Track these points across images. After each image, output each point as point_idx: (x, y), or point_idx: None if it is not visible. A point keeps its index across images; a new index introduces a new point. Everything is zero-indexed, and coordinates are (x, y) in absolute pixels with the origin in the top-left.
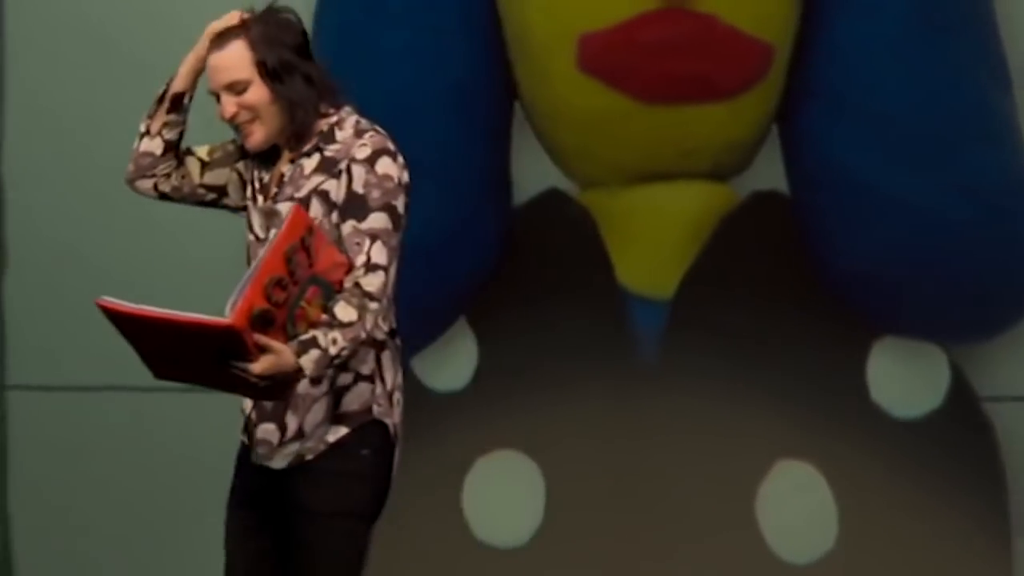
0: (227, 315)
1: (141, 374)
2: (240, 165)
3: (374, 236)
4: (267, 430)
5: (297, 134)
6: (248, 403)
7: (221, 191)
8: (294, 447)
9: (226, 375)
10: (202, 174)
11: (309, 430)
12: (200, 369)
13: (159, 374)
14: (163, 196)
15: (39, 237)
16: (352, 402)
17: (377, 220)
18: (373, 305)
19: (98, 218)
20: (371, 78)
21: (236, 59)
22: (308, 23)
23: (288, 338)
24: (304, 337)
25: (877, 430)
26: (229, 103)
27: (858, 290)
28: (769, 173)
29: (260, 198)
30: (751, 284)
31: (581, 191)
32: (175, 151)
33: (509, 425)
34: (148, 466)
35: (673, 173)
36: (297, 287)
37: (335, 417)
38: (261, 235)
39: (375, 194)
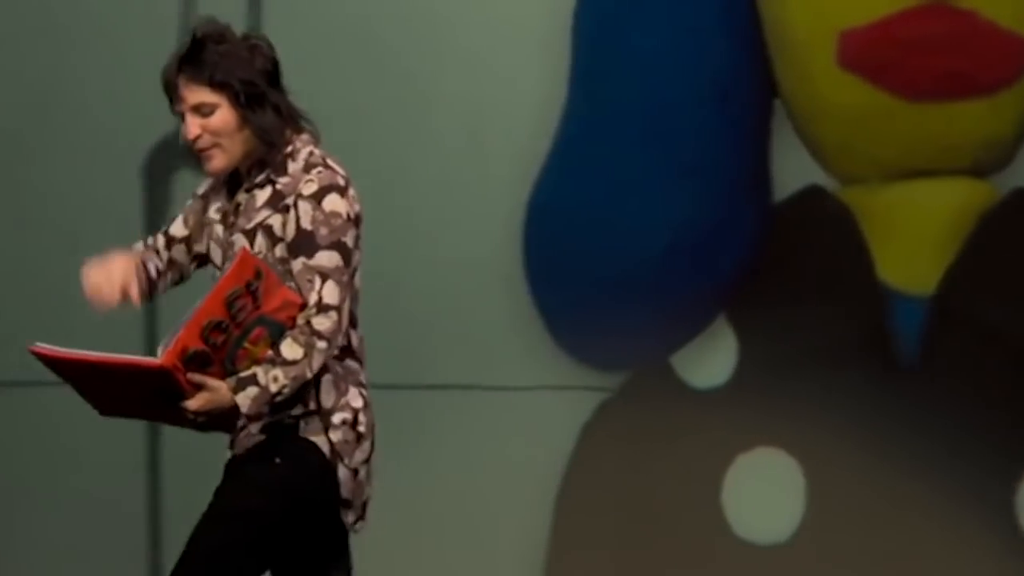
0: (159, 355)
1: (417, 371)
2: (207, 215)
3: (324, 275)
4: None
5: (260, 163)
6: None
7: (206, 255)
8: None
9: (168, 411)
10: (189, 251)
11: (242, 436)
12: (144, 406)
13: (104, 411)
14: (175, 285)
15: None
16: (282, 414)
17: (327, 258)
18: (321, 344)
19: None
20: (631, 77)
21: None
22: (567, 20)
23: (227, 374)
24: (243, 374)
25: None
26: (194, 125)
27: None
28: None
29: (218, 227)
30: (1012, 281)
31: (841, 188)
32: (164, 274)
33: (769, 422)
34: (433, 463)
35: (933, 169)
36: (240, 329)
37: (263, 426)
38: (219, 265)
39: (323, 231)
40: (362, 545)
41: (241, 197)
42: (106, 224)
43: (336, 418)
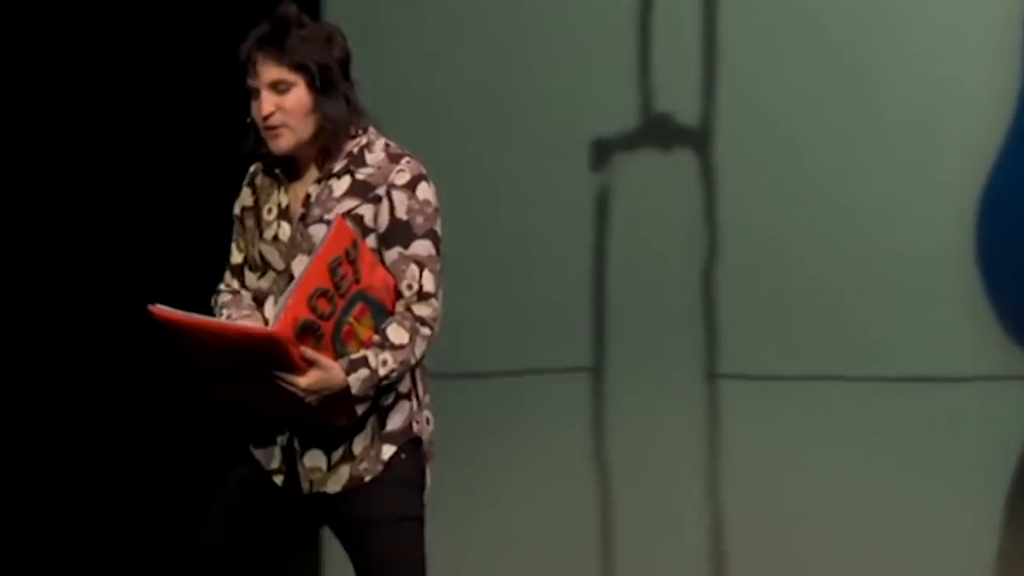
0: (271, 326)
1: (864, 363)
2: (248, 223)
3: (421, 264)
4: (314, 456)
5: (326, 152)
6: (283, 432)
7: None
8: (346, 469)
9: (280, 396)
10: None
11: (360, 452)
12: (256, 388)
13: (219, 394)
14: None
15: (749, 227)
16: (395, 421)
17: (422, 247)
18: (425, 331)
19: (806, 209)
20: None
21: None
22: (1019, 12)
23: (337, 356)
24: (354, 356)
25: None
26: (269, 101)
27: None
28: None
29: (282, 223)
30: None
31: None
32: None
33: None
34: (864, 457)
35: None
36: (344, 300)
37: (382, 437)
38: (281, 267)
39: (419, 220)
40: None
41: (311, 188)
42: (557, 218)
43: (425, 414)
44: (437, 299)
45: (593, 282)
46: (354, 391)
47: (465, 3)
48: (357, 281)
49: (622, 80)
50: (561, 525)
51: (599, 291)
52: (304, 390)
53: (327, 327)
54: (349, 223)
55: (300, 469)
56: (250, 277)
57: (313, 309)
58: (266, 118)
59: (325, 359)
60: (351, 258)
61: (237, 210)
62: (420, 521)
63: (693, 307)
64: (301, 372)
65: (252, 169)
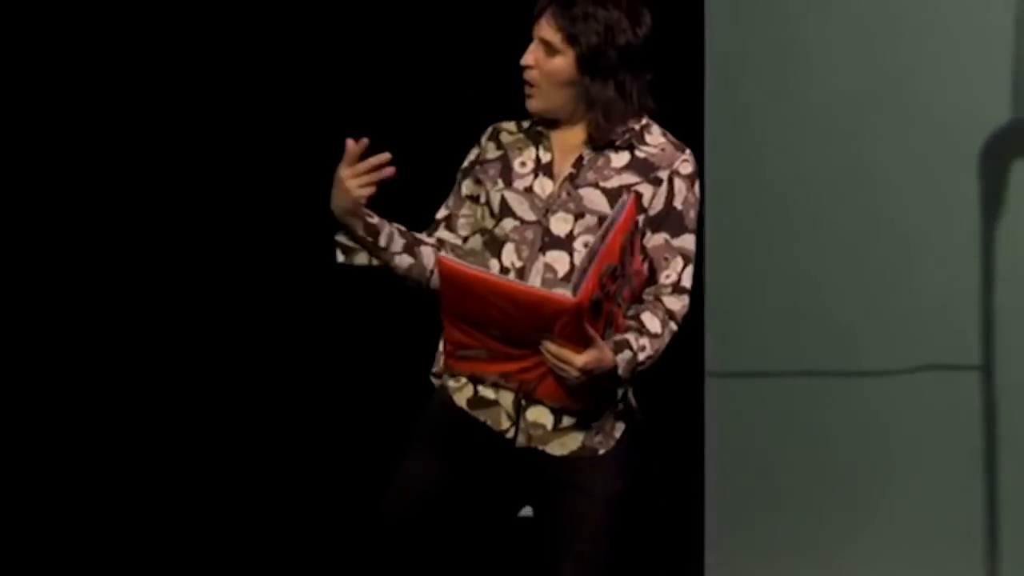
0: (570, 295)
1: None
2: (490, 171)
3: (686, 257)
4: (539, 413)
5: (597, 131)
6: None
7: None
8: (579, 437)
9: (527, 366)
10: (450, 228)
11: (596, 424)
12: (505, 355)
13: (455, 358)
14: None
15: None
16: (633, 399)
17: (690, 241)
18: (673, 326)
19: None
20: None
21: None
22: None
23: (603, 337)
24: (618, 338)
25: None
26: (532, 53)
27: None
28: None
29: (540, 177)
30: None
31: None
32: (414, 244)
33: None
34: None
35: None
36: (623, 280)
37: (616, 413)
38: (530, 218)
39: (691, 214)
40: None
41: (585, 152)
42: (940, 217)
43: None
44: (689, 297)
45: (981, 283)
46: (620, 372)
47: (846, 4)
48: (631, 264)
49: (1004, 79)
50: (944, 529)
51: (987, 291)
52: (580, 369)
53: (607, 307)
54: (626, 196)
55: (521, 423)
56: (447, 234)
57: (603, 287)
58: (525, 69)
59: (600, 340)
60: (631, 240)
61: (469, 162)
62: (624, 501)
63: None
64: (579, 349)
65: (495, 127)
